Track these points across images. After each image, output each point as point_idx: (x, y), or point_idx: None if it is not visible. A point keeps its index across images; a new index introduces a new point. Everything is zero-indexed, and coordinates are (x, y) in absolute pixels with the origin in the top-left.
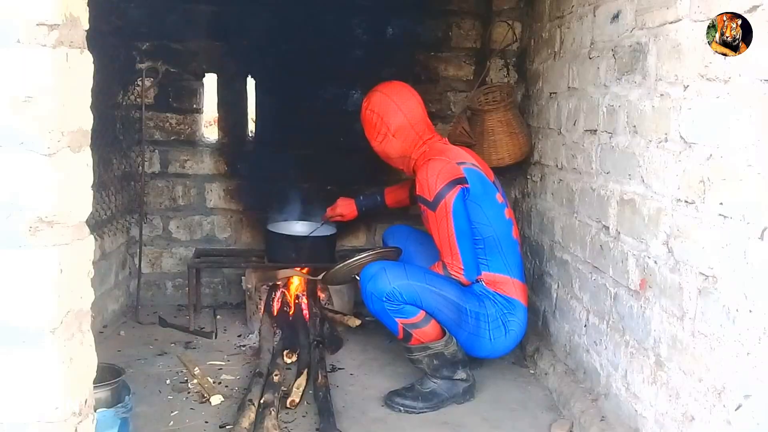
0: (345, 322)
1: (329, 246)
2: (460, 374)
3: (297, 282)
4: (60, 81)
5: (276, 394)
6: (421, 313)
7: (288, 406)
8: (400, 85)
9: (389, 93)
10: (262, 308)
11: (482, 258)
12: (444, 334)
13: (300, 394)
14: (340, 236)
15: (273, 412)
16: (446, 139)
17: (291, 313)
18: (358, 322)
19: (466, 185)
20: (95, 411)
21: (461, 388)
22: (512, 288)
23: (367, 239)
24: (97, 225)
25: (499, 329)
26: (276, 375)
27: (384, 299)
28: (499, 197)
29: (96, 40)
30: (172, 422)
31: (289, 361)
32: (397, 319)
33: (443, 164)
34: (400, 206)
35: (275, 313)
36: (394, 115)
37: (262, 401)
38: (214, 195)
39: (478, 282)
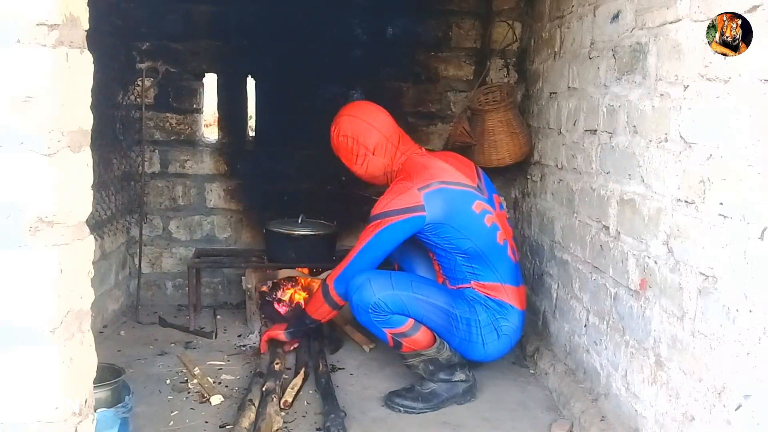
0: (358, 342)
1: (329, 246)
2: (459, 375)
3: (297, 282)
4: (60, 81)
5: (277, 382)
6: (410, 322)
7: (282, 407)
8: (364, 103)
9: (356, 114)
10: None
11: (469, 268)
12: (435, 340)
13: (293, 394)
14: (340, 237)
15: (275, 399)
16: (424, 150)
17: None
18: (372, 345)
19: (420, 213)
20: (95, 411)
21: (461, 388)
22: (504, 293)
23: None
24: (97, 225)
25: (491, 334)
26: (277, 364)
27: (370, 311)
28: (477, 207)
29: (96, 40)
30: (172, 422)
31: (288, 350)
32: (385, 330)
33: (404, 192)
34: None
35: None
36: (368, 134)
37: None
38: (214, 195)
39: (469, 288)
